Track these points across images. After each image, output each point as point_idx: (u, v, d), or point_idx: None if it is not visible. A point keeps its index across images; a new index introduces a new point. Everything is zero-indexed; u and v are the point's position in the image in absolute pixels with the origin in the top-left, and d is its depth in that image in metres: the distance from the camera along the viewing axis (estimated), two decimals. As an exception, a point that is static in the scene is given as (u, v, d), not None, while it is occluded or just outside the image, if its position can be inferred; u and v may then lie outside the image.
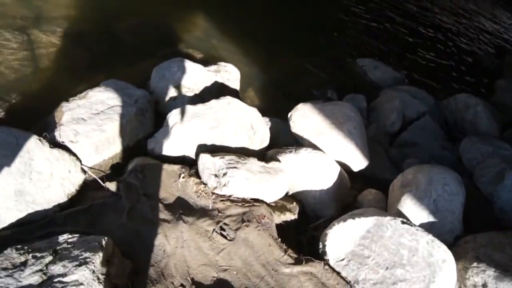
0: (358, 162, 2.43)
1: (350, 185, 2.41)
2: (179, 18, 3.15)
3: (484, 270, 1.80)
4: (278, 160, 2.18)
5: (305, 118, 2.43)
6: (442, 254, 1.74)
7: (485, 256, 1.86)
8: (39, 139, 1.78)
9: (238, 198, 1.97)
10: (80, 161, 1.92)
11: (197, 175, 2.04)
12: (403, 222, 1.82)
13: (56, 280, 1.35)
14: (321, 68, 3.51)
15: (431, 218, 2.05)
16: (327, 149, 2.33)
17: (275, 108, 2.82)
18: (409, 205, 2.09)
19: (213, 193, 1.97)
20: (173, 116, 2.15)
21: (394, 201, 2.19)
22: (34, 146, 1.74)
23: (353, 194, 2.47)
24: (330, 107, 2.49)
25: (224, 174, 1.94)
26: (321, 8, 4.66)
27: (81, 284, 1.34)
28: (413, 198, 2.10)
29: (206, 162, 2.00)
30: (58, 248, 1.51)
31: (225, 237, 1.83)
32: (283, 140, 2.50)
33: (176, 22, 3.09)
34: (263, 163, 2.09)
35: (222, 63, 2.71)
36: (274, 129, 2.50)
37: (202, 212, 1.90)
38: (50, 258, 1.46)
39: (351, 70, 3.70)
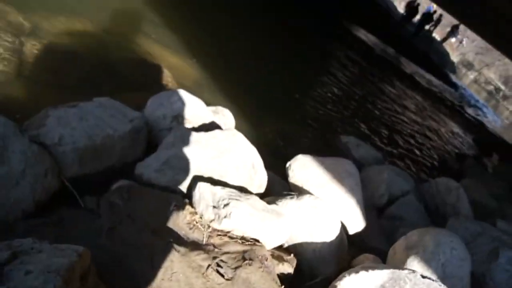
0: (356, 222, 2.27)
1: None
2: (178, 62, 3.09)
3: None
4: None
5: (305, 169, 2.30)
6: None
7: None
8: (20, 129, 1.50)
9: (237, 235, 1.71)
10: (60, 168, 1.62)
11: (191, 205, 1.77)
12: (423, 276, 1.62)
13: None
14: (308, 137, 3.49)
15: (441, 284, 1.86)
16: (328, 203, 2.17)
17: (265, 162, 2.67)
18: (416, 268, 1.90)
19: (209, 226, 1.70)
20: (171, 139, 1.94)
21: (398, 264, 2.00)
22: (11, 133, 1.45)
23: (347, 259, 2.26)
24: (331, 161, 2.39)
25: (226, 205, 1.70)
26: (310, 66, 4.88)
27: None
28: (420, 260, 1.93)
29: (204, 191, 1.76)
30: (19, 250, 1.16)
31: (222, 275, 1.53)
32: (278, 190, 2.32)
33: (175, 64, 3.02)
34: (265, 203, 1.88)
35: (220, 107, 2.61)
36: (268, 179, 2.32)
37: (195, 245, 1.61)
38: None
39: (334, 144, 3.71)
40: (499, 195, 4.55)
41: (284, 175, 2.51)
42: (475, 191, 4.42)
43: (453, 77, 18.31)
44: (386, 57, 10.34)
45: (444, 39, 22.66)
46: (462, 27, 21.68)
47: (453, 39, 23.39)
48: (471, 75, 29.74)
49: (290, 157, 2.90)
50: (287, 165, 2.36)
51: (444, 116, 8.69)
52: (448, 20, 23.92)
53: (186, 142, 1.86)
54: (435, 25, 18.38)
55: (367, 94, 6.02)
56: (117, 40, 2.84)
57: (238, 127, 2.69)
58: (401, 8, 20.78)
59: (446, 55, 21.64)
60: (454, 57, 23.89)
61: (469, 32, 24.21)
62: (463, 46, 28.43)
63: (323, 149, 3.48)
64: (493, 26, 10.94)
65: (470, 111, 12.27)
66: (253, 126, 3.03)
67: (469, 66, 29.43)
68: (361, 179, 3.11)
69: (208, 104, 2.69)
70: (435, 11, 17.23)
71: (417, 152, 4.98)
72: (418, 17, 17.78)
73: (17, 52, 2.24)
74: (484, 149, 8.08)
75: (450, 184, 3.29)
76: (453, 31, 22.19)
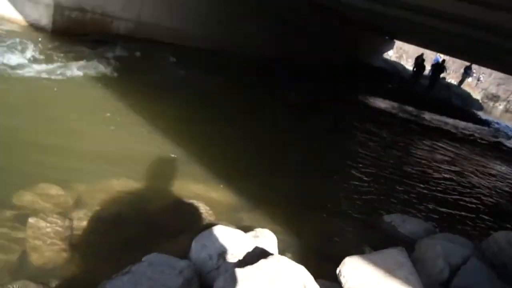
0: (421, 310, 2.21)
1: None
2: (207, 191, 3.32)
3: None
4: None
5: (356, 271, 2.32)
6: None
7: None
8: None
9: None
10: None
11: None
12: None
13: None
14: (350, 226, 3.51)
15: None
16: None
17: (317, 269, 2.72)
18: None
19: None
20: (221, 283, 2.05)
21: None
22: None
23: None
24: (378, 255, 2.41)
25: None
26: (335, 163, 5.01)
27: None
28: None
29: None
30: None
31: None
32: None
33: (205, 195, 3.24)
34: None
35: (258, 229, 2.74)
36: (323, 288, 2.35)
37: None
38: None
39: (379, 226, 3.70)
40: None
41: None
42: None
43: (482, 114, 17.99)
44: (408, 118, 10.46)
45: (461, 82, 22.81)
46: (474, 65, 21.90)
47: (469, 79, 23.48)
48: (500, 106, 29.04)
49: (339, 256, 2.94)
50: (337, 271, 2.40)
51: (485, 157, 8.46)
52: (460, 62, 24.26)
53: (235, 281, 1.97)
54: (447, 71, 18.60)
55: (398, 161, 6.05)
56: (152, 190, 3.13)
57: (280, 239, 2.80)
58: (409, 65, 21.28)
59: (467, 96, 21.58)
60: (477, 95, 23.73)
61: (483, 68, 24.33)
62: (481, 82, 28.34)
63: (371, 237, 3.46)
64: (504, 58, 11.05)
65: (509, 143, 11.88)
66: (294, 233, 3.11)
67: (495, 98, 28.90)
68: (416, 258, 3.07)
69: (248, 227, 2.84)
70: (443, 60, 17.62)
71: (468, 206, 4.83)
72: (428, 70, 18.15)
73: (67, 229, 2.51)
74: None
75: (509, 237, 3.17)
76: (467, 72, 22.43)
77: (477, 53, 13.18)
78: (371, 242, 3.39)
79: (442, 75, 20.12)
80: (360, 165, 5.22)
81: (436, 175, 5.85)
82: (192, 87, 6.34)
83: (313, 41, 13.20)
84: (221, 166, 3.86)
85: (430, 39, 13.90)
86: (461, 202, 4.90)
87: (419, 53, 18.86)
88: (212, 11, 9.22)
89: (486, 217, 4.54)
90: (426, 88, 17.51)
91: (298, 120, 6.73)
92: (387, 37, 18.82)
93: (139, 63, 6.44)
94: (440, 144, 8.23)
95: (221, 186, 3.46)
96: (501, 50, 8.97)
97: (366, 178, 4.74)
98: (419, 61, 17.92)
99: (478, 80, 28.64)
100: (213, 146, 4.32)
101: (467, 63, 21.86)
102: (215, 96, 6.22)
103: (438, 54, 18.31)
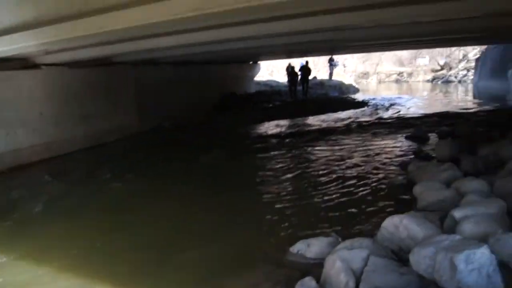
0: None
1: None
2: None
3: None
4: None
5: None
6: None
7: None
8: None
9: None
10: None
11: None
12: None
13: None
14: (263, 272, 3.52)
15: None
16: None
17: None
18: None
19: None
20: None
21: None
22: None
23: None
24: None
25: None
26: None
27: None
28: None
29: None
30: None
31: None
32: None
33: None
34: None
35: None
36: None
37: None
38: None
39: (289, 261, 3.75)
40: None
41: None
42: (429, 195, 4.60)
43: (360, 96, 19.55)
44: (292, 131, 10.99)
45: (331, 74, 24.78)
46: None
47: (336, 69, 25.64)
48: (372, 80, 32.21)
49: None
50: None
51: (370, 139, 9.19)
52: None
53: None
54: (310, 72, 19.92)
55: (291, 182, 6.24)
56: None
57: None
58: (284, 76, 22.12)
59: (341, 84, 23.44)
60: (349, 80, 25.94)
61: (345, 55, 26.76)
62: (346, 66, 31.24)
63: (286, 276, 3.48)
64: (352, 44, 12.32)
65: (386, 114, 13.11)
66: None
67: (365, 76, 32.06)
68: (324, 278, 3.18)
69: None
70: (307, 62, 18.96)
71: (361, 200, 5.12)
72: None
73: None
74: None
75: (394, 221, 3.44)
76: (331, 63, 24.51)
77: (333, 47, 14.55)
78: (287, 282, 3.41)
79: (313, 76, 21.72)
80: (256, 201, 5.35)
81: (326, 179, 6.14)
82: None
83: (187, 93, 13.42)
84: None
85: (289, 51, 15.01)
86: (354, 199, 5.19)
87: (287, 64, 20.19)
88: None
89: (379, 206, 4.86)
90: (301, 93, 18.71)
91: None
92: (251, 62, 19.86)
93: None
94: (325, 146, 8.75)
95: None
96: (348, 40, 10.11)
97: (268, 215, 4.84)
98: (290, 70, 19.09)
99: (344, 66, 31.51)
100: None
101: (329, 56, 23.88)
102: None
103: (303, 60, 19.72)
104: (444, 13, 5.50)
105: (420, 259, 2.80)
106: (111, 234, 4.51)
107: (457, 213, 3.52)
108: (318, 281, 3.18)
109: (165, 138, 10.69)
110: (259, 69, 21.26)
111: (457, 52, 30.68)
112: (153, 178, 6.75)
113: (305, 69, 18.89)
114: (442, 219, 3.81)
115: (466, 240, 2.78)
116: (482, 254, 2.44)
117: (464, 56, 29.86)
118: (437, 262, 2.61)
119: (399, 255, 3.38)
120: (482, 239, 2.95)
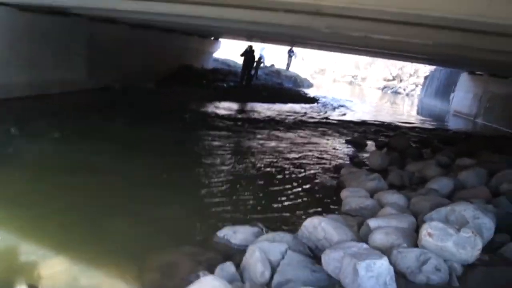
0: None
1: None
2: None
3: None
4: None
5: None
6: None
7: None
8: None
9: None
10: None
11: None
12: None
13: None
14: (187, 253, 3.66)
15: None
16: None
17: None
18: None
19: None
20: None
21: None
22: None
23: None
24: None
25: None
26: None
27: None
28: None
29: None
30: None
31: None
32: None
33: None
34: None
35: None
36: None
37: None
38: None
39: (214, 244, 3.93)
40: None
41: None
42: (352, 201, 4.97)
43: (312, 91, 19.99)
44: (240, 117, 11.11)
45: (288, 65, 25.10)
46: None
47: (293, 60, 25.95)
48: (328, 77, 32.90)
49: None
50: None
51: (313, 137, 9.55)
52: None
53: None
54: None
55: (230, 168, 6.42)
56: None
57: None
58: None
59: (296, 77, 23.80)
60: (305, 74, 26.40)
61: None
62: (304, 60, 31.66)
63: (208, 259, 3.64)
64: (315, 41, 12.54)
65: (333, 115, 13.57)
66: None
67: (322, 72, 32.65)
68: (243, 266, 3.38)
69: None
70: (250, 46, 17.78)
71: (294, 197, 5.42)
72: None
73: None
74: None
75: (314, 222, 3.71)
76: (290, 54, 24.81)
77: (293, 40, 14.78)
78: (209, 264, 3.56)
79: (271, 64, 21.87)
80: (192, 182, 5.48)
81: (265, 169, 6.41)
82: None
83: (143, 58, 13.10)
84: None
85: (249, 35, 15.01)
86: (286, 194, 5.45)
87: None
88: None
89: (308, 204, 5.16)
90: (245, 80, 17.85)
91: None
92: (212, 38, 19.63)
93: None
94: (271, 136, 9.00)
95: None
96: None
97: (202, 197, 4.98)
98: (244, 52, 17.49)
99: (303, 59, 31.98)
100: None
101: (289, 47, 24.10)
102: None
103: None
104: (394, 33, 5.86)
105: (330, 260, 3.10)
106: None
107: (372, 223, 3.86)
108: (238, 267, 3.38)
109: (110, 99, 10.44)
110: (219, 45, 21.07)
111: (410, 66, 32.18)
112: (81, 140, 6.65)
113: (248, 54, 17.31)
114: (360, 225, 4.16)
115: (371, 249, 3.10)
116: (381, 265, 2.76)
117: (415, 71, 31.34)
118: (343, 265, 2.91)
119: (315, 253, 3.66)
120: (388, 250, 3.31)
